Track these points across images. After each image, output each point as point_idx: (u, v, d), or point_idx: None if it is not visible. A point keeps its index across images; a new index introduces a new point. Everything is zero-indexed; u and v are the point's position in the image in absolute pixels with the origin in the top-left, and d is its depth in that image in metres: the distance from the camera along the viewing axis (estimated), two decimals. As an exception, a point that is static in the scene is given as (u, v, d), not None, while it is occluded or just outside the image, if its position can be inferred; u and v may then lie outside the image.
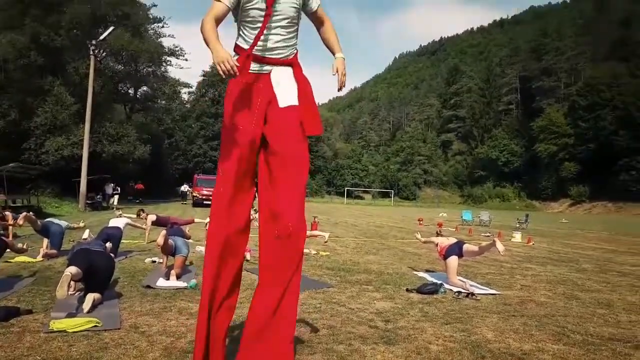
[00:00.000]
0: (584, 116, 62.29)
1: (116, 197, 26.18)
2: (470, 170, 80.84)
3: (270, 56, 2.83)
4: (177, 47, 38.81)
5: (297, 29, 2.91)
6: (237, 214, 2.85)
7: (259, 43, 2.77)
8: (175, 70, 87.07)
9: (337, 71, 2.90)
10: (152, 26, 38.23)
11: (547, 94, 76.95)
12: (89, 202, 23.19)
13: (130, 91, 40.55)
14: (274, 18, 2.75)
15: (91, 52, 23.83)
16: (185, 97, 58.19)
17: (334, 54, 3.00)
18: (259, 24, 2.73)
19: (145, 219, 9.91)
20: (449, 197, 77.45)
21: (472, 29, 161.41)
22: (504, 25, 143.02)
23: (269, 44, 2.80)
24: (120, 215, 9.49)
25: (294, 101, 2.85)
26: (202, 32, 2.58)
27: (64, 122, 25.77)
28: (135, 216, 10.49)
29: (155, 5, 37.58)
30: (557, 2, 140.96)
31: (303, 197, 2.85)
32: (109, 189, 26.74)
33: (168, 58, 38.57)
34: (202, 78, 59.35)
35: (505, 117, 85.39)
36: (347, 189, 67.97)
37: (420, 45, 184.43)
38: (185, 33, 43.05)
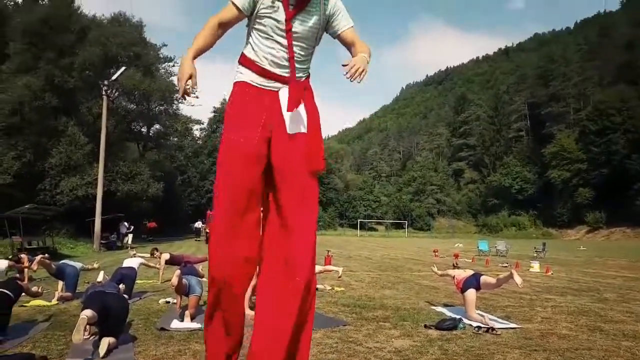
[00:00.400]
0: (596, 141, 61.93)
1: (130, 236, 26.29)
2: (483, 198, 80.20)
3: (280, 73, 2.54)
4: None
5: (313, 52, 2.65)
6: (238, 252, 2.46)
7: (269, 57, 2.51)
8: (186, 107, 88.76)
9: (349, 64, 2.42)
10: (163, 65, 39.14)
11: (557, 119, 76.87)
12: (103, 242, 23.29)
13: (143, 129, 41.24)
14: (293, 35, 2.50)
15: (104, 92, 24.39)
16: (197, 133, 59.13)
17: None
18: (276, 36, 2.48)
19: (159, 258, 9.91)
20: (464, 226, 76.69)
21: (477, 57, 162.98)
22: (509, 53, 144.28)
23: (281, 60, 2.53)
24: (134, 255, 9.50)
25: (303, 128, 2.53)
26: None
27: (78, 162, 26.18)
28: (149, 255, 10.51)
29: (165, 45, 38.64)
30: (560, 28, 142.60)
31: (315, 241, 2.52)
32: (123, 228, 26.89)
33: (179, 96, 39.20)
34: (212, 114, 60.48)
35: (515, 144, 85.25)
36: (360, 221, 67.64)
37: (427, 75, 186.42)
38: (197, 70, 43.90)
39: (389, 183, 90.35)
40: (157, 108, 38.31)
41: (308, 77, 2.69)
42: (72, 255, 17.67)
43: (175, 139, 46.86)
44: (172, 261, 9.68)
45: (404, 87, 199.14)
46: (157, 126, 41.65)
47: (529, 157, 77.77)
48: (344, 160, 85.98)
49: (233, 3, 2.48)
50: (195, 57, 2.49)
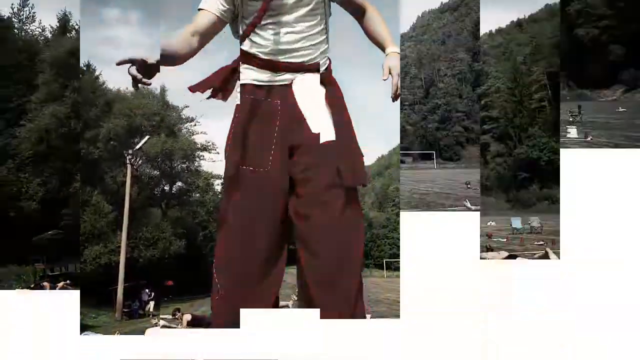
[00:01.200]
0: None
1: (152, 303, 26.24)
2: (512, 172, 78.71)
3: (287, 60, 1.91)
4: (209, 142, 40.41)
5: (325, 28, 1.99)
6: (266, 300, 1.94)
7: (269, 43, 1.89)
8: (207, 163, 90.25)
9: (389, 73, 1.90)
10: (185, 125, 40.21)
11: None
12: (125, 310, 23.30)
13: (165, 187, 42.00)
14: (288, 7, 1.86)
15: (128, 161, 25.05)
16: (218, 188, 59.90)
17: (383, 50, 2.01)
18: (270, 24, 1.89)
19: (181, 319, 9.74)
20: (496, 202, 75.25)
21: (490, 31, 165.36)
22: (522, 25, 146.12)
23: (283, 46, 1.89)
24: (156, 324, 9.37)
25: (331, 135, 1.91)
26: None
27: (101, 230, 26.65)
28: (170, 316, 10.36)
29: (187, 107, 39.74)
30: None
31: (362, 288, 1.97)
32: (145, 295, 26.90)
33: (201, 153, 40.14)
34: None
35: (539, 115, 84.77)
36: (385, 261, 66.83)
37: (442, 2, 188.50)
38: (217, 128, 44.92)
39: (413, 112, 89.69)
40: (179, 166, 39.09)
41: (329, 64, 2.02)
42: (94, 325, 17.61)
43: (197, 195, 47.59)
44: (194, 322, 9.50)
45: (420, 15, 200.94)
46: (180, 184, 42.42)
47: (555, 126, 76.71)
48: (365, 198, 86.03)
49: (208, 10, 1.90)
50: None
